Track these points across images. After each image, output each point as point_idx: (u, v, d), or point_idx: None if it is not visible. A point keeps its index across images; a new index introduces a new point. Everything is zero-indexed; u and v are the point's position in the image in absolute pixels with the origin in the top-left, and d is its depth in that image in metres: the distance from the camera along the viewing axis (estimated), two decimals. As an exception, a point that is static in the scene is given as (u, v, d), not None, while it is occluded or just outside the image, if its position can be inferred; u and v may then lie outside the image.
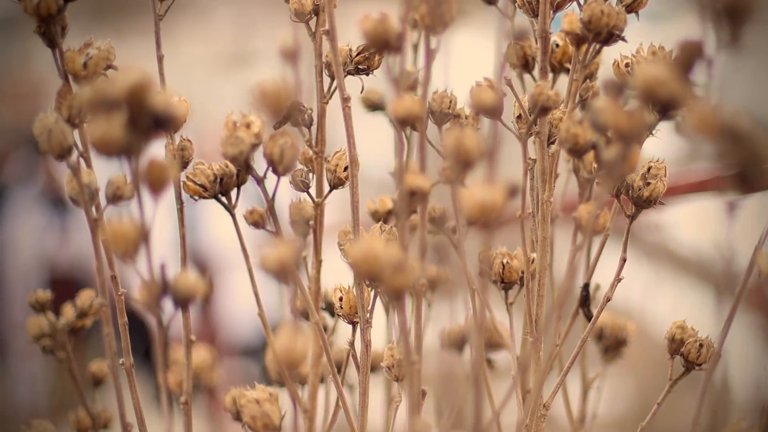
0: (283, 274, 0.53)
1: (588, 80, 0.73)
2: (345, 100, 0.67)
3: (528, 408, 0.66)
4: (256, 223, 0.67)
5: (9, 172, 4.36)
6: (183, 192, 0.72)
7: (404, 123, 0.60)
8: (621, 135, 0.54)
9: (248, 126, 0.64)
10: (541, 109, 0.65)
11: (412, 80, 0.64)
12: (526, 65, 0.74)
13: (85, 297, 0.79)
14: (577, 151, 0.64)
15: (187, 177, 0.71)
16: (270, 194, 0.68)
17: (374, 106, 0.81)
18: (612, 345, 0.83)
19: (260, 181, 0.65)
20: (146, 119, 0.53)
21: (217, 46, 7.58)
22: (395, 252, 0.54)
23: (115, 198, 0.64)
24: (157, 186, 0.54)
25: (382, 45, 0.59)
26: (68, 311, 0.80)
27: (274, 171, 0.64)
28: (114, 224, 0.54)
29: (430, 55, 0.62)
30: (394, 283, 0.53)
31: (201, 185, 0.71)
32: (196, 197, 0.72)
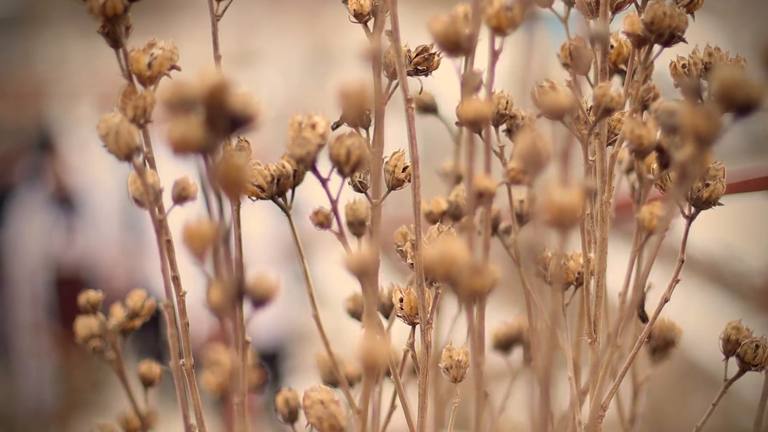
0: (365, 275, 0.53)
1: (644, 82, 0.73)
2: (408, 101, 0.67)
3: (593, 410, 0.66)
4: (321, 224, 0.67)
5: (14, 172, 4.35)
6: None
7: (473, 125, 0.60)
8: (698, 137, 0.54)
9: (313, 126, 0.64)
10: (605, 110, 0.65)
11: (478, 82, 0.64)
12: (579, 66, 0.74)
13: (136, 298, 0.79)
14: (641, 152, 0.64)
15: (244, 177, 0.71)
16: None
17: (426, 107, 0.81)
18: (661, 346, 0.83)
19: (325, 182, 0.65)
20: (224, 120, 0.53)
21: (219, 44, 7.56)
22: (472, 254, 0.54)
23: (180, 198, 0.64)
24: (233, 186, 0.54)
25: (452, 46, 0.59)
26: (118, 312, 0.80)
27: (340, 172, 0.64)
28: (190, 225, 0.54)
29: (495, 56, 0.62)
30: (473, 285, 0.53)
31: (258, 186, 0.71)
32: (254, 198, 0.72)
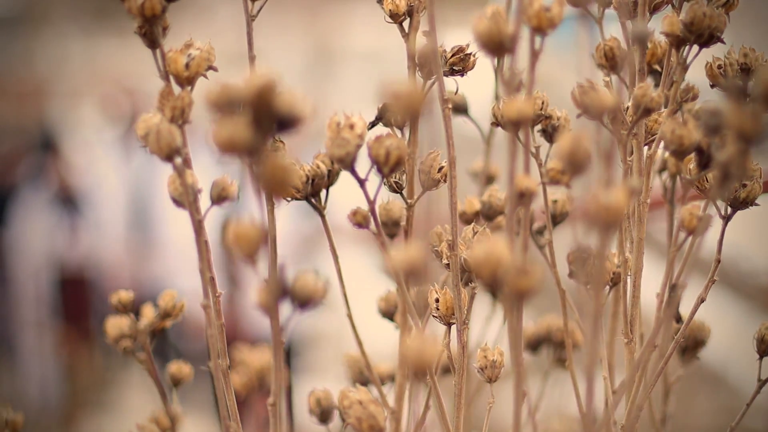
0: (412, 275, 0.53)
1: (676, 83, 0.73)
2: (445, 101, 0.66)
3: (630, 410, 0.66)
4: (360, 224, 0.67)
5: (17, 172, 4.35)
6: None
7: (516, 125, 0.60)
8: (742, 137, 0.54)
9: (352, 127, 0.64)
10: (644, 110, 0.65)
11: (518, 82, 0.63)
12: (614, 67, 0.74)
13: (168, 298, 0.78)
14: (681, 153, 0.64)
15: (279, 178, 0.71)
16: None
17: (458, 108, 0.81)
18: (691, 346, 0.83)
19: (363, 182, 0.65)
20: (270, 120, 0.53)
21: (220, 44, 7.57)
22: (515, 254, 0.54)
23: (220, 199, 0.64)
24: (278, 187, 0.54)
25: (495, 47, 0.59)
26: (148, 312, 0.80)
27: (380, 172, 0.64)
28: (237, 226, 0.54)
29: (535, 56, 0.62)
30: (519, 285, 0.53)
31: (293, 186, 0.71)
32: (289, 198, 0.72)
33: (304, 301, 0.56)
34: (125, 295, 0.79)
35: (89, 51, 6.96)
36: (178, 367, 0.83)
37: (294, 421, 0.83)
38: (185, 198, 0.64)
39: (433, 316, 0.70)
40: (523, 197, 0.61)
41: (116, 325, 0.80)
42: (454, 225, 0.68)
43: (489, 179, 0.84)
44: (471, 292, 0.69)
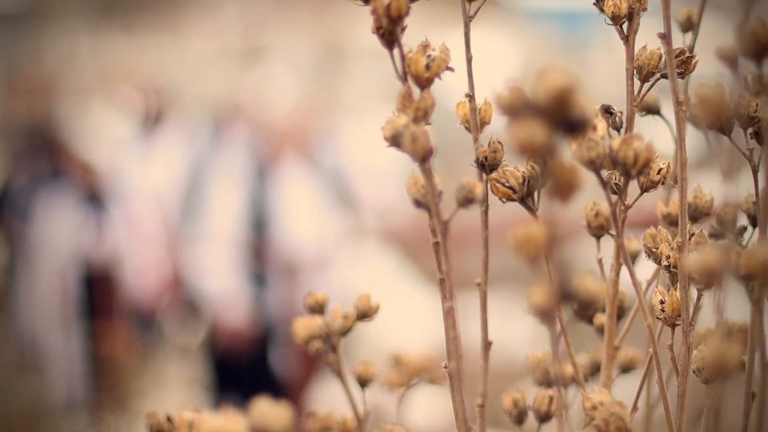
0: (711, 279, 0.53)
1: None
2: (679, 103, 0.67)
3: None
4: (601, 227, 0.67)
5: (30, 169, 4.33)
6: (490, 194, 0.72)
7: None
8: None
9: (595, 129, 0.64)
10: None
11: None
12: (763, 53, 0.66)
13: (363, 299, 0.79)
14: None
15: (496, 179, 0.71)
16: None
17: (649, 109, 0.81)
18: None
19: (605, 185, 0.65)
20: (566, 123, 0.54)
21: (226, 41, 7.56)
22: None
23: (466, 201, 0.64)
24: (566, 189, 0.55)
25: (763, 50, 0.59)
26: (338, 313, 0.80)
27: (626, 174, 0.64)
28: (522, 228, 0.54)
29: None
30: None
31: (510, 187, 0.71)
32: (504, 199, 0.72)
33: (585, 305, 0.56)
34: (321, 296, 0.79)
35: (97, 47, 6.93)
36: (364, 367, 0.83)
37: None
38: (430, 200, 0.64)
39: (657, 317, 0.70)
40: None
41: (307, 325, 0.80)
42: (683, 227, 0.69)
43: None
44: (698, 294, 0.69)
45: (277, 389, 3.60)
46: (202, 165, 3.81)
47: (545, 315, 0.57)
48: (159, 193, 4.05)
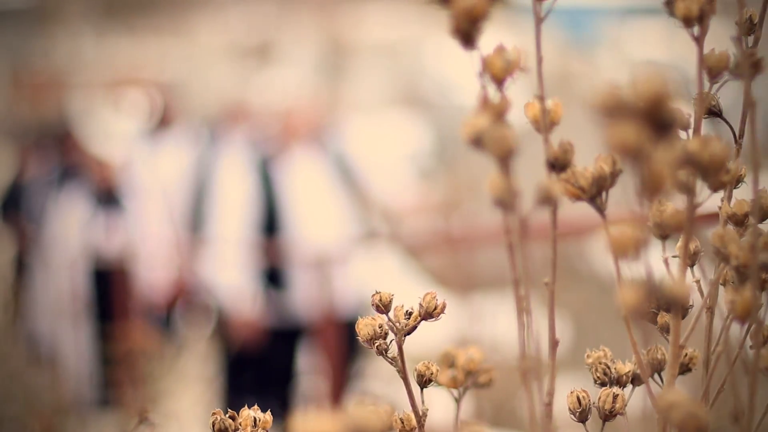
0: None
1: None
2: (751, 104, 0.67)
3: None
4: (678, 227, 0.68)
5: (39, 165, 4.33)
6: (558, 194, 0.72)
7: None
8: None
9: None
10: None
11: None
12: None
13: (429, 298, 0.79)
14: None
15: (566, 179, 0.72)
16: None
17: (712, 112, 0.81)
18: None
19: (684, 185, 0.66)
20: (659, 125, 0.54)
21: (230, 38, 7.57)
22: None
23: (544, 201, 0.65)
24: (656, 188, 0.55)
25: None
26: (399, 312, 0.80)
27: (705, 175, 0.64)
28: (617, 229, 0.55)
29: None
30: None
31: (580, 188, 0.72)
32: (573, 199, 0.72)
33: (675, 303, 0.57)
34: (386, 295, 0.80)
35: (104, 44, 6.94)
36: (425, 366, 0.83)
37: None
38: (509, 198, 0.65)
39: (727, 317, 0.71)
40: None
41: (369, 324, 0.81)
42: (755, 228, 0.69)
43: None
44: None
45: (290, 386, 3.61)
46: (210, 161, 3.82)
47: (636, 313, 0.57)
48: (167, 190, 4.05)
